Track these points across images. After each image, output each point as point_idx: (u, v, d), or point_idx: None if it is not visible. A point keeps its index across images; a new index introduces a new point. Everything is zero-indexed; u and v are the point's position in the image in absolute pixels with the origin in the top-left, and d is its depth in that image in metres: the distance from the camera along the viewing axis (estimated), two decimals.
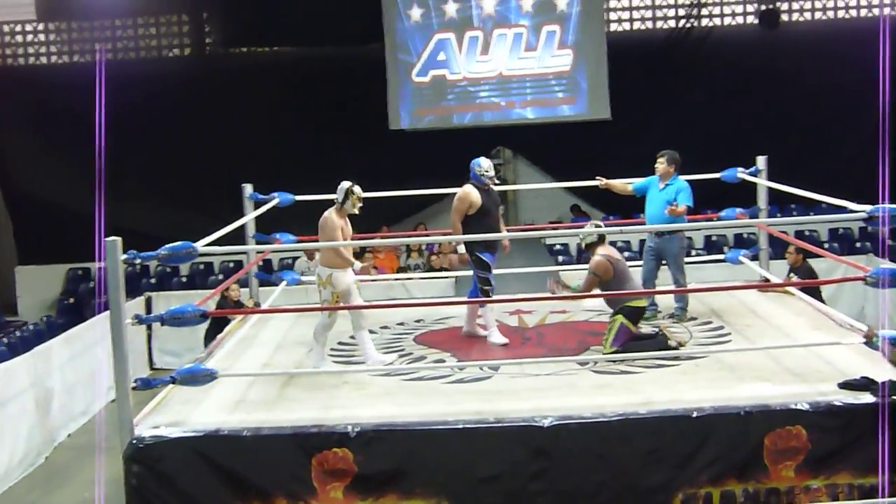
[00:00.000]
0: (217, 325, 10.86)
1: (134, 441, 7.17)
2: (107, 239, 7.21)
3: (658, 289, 10.17)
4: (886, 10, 19.10)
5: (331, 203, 8.75)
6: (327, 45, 19.12)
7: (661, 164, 10.05)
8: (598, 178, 10.22)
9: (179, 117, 18.50)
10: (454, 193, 9.47)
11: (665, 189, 9.98)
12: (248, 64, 20.04)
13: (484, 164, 9.40)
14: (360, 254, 16.07)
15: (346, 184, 8.82)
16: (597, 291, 8.84)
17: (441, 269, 15.58)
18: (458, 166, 18.29)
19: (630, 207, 10.63)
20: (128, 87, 16.06)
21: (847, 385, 7.34)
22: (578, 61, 18.57)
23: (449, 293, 14.02)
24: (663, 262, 10.07)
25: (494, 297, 9.36)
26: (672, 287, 10.13)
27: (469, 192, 9.32)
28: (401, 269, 16.08)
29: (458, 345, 9.39)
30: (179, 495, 7.14)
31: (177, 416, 7.57)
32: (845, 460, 7.07)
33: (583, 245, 9.19)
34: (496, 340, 9.27)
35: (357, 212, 8.92)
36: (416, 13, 18.67)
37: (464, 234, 9.22)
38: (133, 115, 16.84)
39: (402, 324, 10.37)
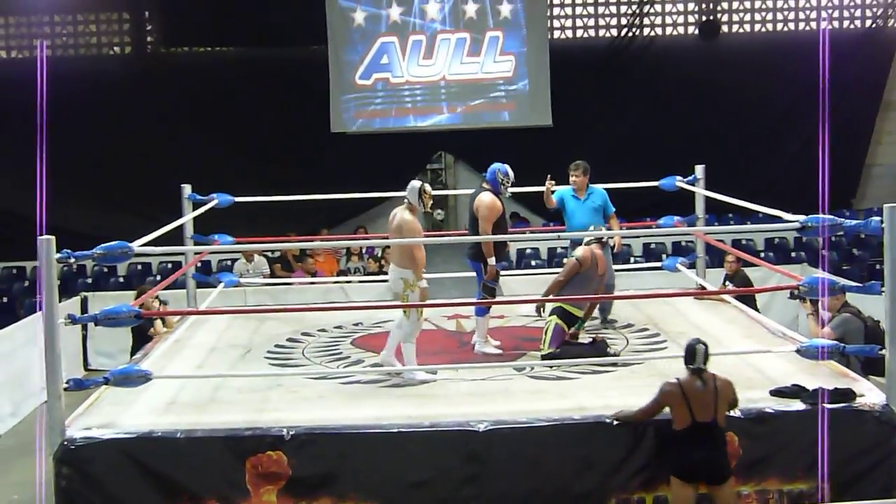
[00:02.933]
0: (142, 339, 10.58)
1: (64, 442, 7.08)
2: (40, 237, 7.12)
3: (600, 296, 10.23)
4: (824, 24, 19.39)
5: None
6: (270, 46, 19.01)
7: (578, 177, 10.19)
8: (549, 180, 10.10)
9: (119, 116, 18.28)
10: (394, 197, 9.43)
11: (589, 198, 10.16)
12: (189, 63, 19.86)
13: (510, 173, 9.32)
14: (300, 257, 16.02)
15: (416, 183, 8.56)
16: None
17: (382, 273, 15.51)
18: (399, 170, 18.42)
19: None
20: (66, 85, 15.81)
21: (778, 392, 7.44)
22: (521, 68, 18.66)
23: (388, 297, 13.96)
24: None
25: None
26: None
27: (496, 201, 9.18)
28: (341, 273, 16.03)
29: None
30: (109, 498, 7.06)
31: (108, 417, 7.49)
32: (774, 466, 7.17)
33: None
34: (488, 350, 9.21)
35: (430, 210, 8.70)
36: (359, 16, 18.64)
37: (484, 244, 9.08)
38: (71, 113, 16.64)
39: (339, 327, 10.34)
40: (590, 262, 8.84)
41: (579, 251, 8.92)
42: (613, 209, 10.28)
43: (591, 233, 9.18)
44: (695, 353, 6.93)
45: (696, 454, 6.79)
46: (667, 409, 6.92)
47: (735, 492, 7.05)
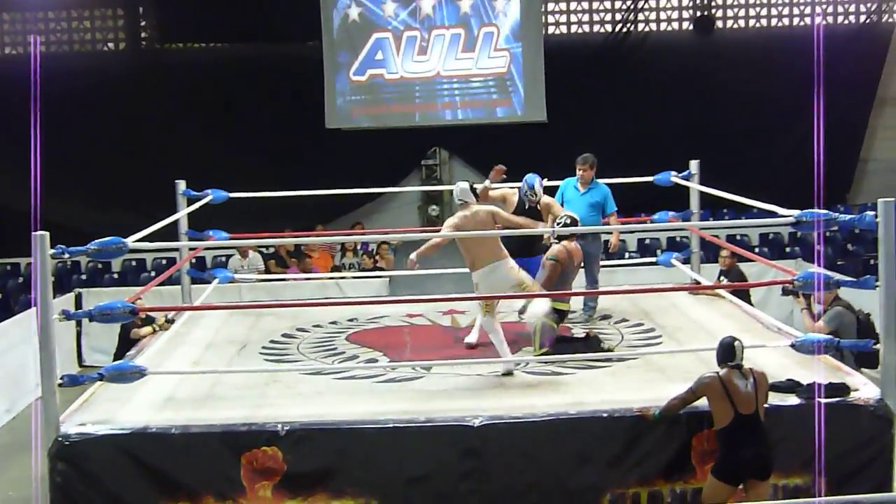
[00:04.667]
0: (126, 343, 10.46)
1: (59, 438, 7.07)
2: (34, 233, 7.10)
3: (595, 290, 10.23)
4: (818, 19, 19.41)
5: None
6: (265, 42, 18.99)
7: (586, 171, 10.18)
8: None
9: (113, 112, 18.28)
10: (390, 193, 9.42)
11: (589, 192, 10.15)
12: (184, 59, 19.82)
13: (536, 185, 9.47)
14: (297, 255, 15.98)
15: (463, 184, 8.69)
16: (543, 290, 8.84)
17: (377, 269, 15.52)
18: (394, 166, 18.41)
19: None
20: (61, 81, 15.85)
21: (773, 387, 7.43)
22: (515, 63, 18.66)
23: (383, 293, 14.00)
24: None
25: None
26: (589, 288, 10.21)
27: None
28: (335, 269, 16.02)
29: (390, 344, 9.37)
30: (105, 494, 7.05)
31: (104, 413, 7.47)
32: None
33: (553, 239, 9.14)
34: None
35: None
36: (354, 12, 18.63)
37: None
38: (66, 110, 16.62)
39: (335, 322, 10.33)
40: (566, 258, 8.84)
41: (554, 251, 8.86)
42: (615, 208, 10.24)
43: (548, 229, 9.04)
44: (734, 350, 7.06)
45: (744, 451, 6.81)
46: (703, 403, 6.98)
47: (772, 484, 7.07)
